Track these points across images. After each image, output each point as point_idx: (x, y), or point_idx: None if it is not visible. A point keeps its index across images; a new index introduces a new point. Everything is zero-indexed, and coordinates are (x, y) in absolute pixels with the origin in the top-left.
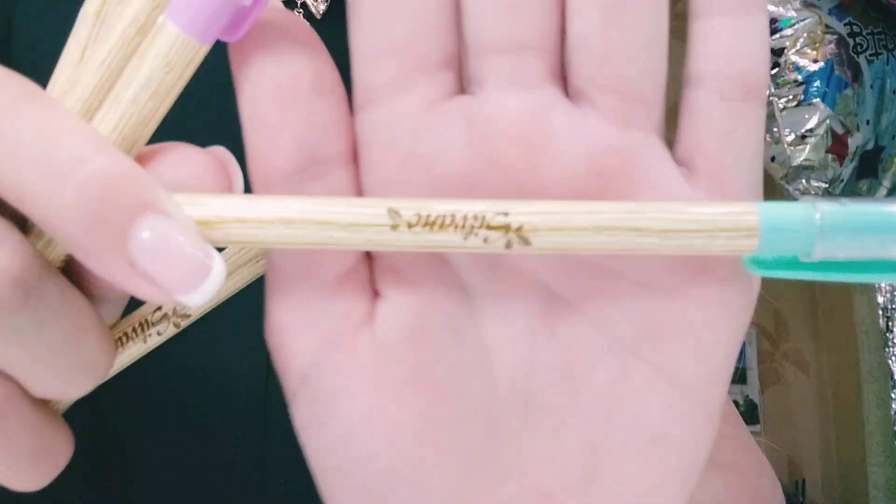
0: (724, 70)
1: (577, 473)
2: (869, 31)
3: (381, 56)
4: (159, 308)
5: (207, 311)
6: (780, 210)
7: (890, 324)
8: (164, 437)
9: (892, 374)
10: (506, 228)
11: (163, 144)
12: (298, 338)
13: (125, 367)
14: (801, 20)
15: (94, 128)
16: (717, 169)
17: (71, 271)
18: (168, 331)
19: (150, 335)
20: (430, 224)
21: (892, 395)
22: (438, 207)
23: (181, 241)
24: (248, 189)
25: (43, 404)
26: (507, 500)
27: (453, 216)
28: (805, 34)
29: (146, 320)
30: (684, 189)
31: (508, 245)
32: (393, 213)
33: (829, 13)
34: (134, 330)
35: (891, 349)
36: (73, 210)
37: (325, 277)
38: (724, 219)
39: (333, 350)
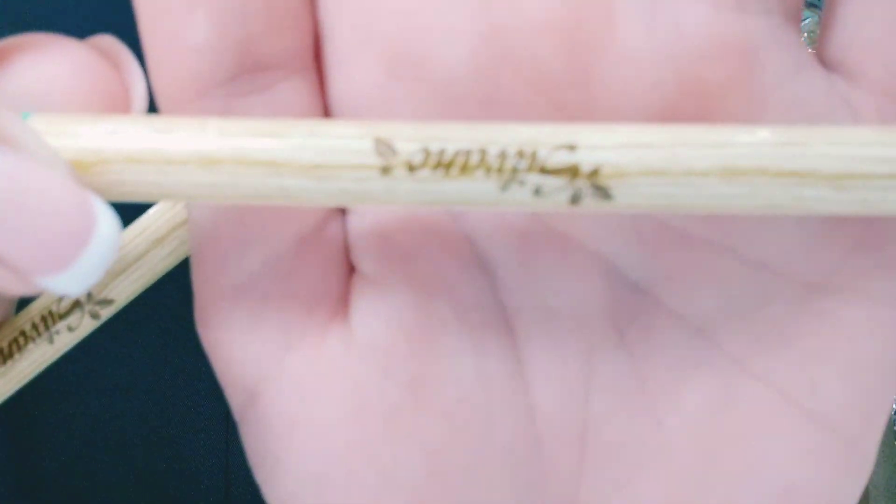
0: None
1: None
2: None
3: None
4: None
5: (139, 291)
6: None
7: None
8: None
9: None
10: (572, 172)
11: (16, 38)
12: (239, 337)
13: (30, 378)
14: (802, 20)
15: None
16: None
17: None
18: (83, 324)
19: (57, 332)
20: (444, 165)
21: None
22: (458, 136)
23: (40, 187)
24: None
25: None
26: None
27: (483, 152)
28: (805, 34)
29: (50, 312)
30: (839, 110)
31: (575, 199)
32: (383, 145)
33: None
34: (34, 327)
35: None
36: None
37: (276, 244)
38: None
39: (290, 355)
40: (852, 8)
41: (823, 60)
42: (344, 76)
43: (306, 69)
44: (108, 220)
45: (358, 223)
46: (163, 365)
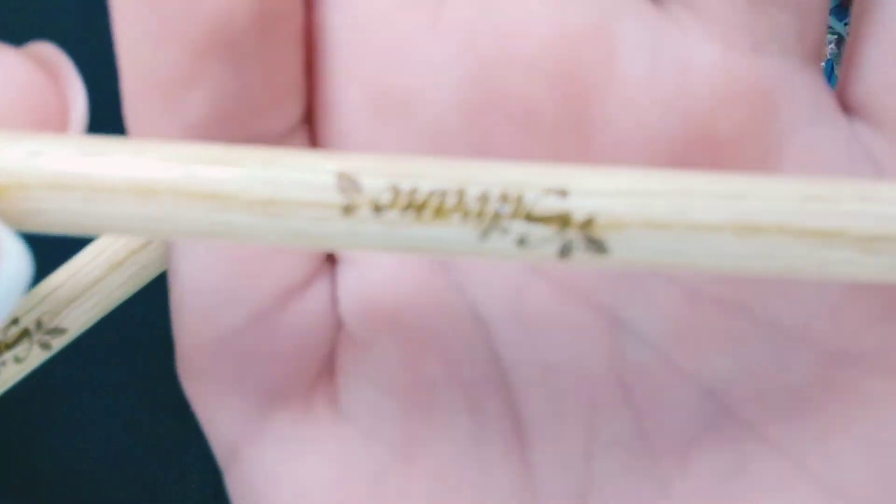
0: None
1: None
2: None
3: None
4: (15, 321)
5: (95, 320)
6: None
7: None
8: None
9: None
10: (563, 220)
11: None
12: (221, 392)
13: None
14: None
15: None
16: None
17: None
18: (32, 355)
19: (3, 363)
20: (416, 206)
21: None
22: (433, 173)
23: None
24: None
25: None
26: None
27: (461, 193)
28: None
29: None
30: (860, 160)
31: (565, 252)
32: (346, 181)
33: (830, 13)
34: None
35: None
36: None
37: (261, 299)
38: None
39: (273, 414)
40: (878, 48)
41: (845, 104)
42: (327, 116)
43: (301, 133)
44: (14, 254)
45: (346, 275)
46: (160, 366)
